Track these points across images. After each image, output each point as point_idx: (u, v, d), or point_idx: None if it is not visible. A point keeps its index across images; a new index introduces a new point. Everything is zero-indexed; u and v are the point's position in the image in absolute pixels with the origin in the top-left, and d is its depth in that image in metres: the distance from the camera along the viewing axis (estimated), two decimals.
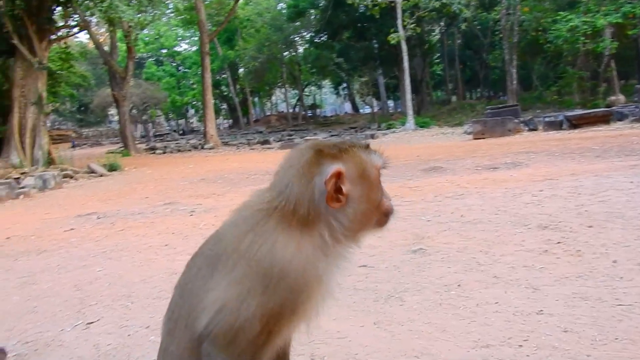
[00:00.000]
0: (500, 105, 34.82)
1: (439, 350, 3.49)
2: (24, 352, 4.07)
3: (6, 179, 17.74)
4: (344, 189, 1.32)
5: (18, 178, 18.05)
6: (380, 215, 1.43)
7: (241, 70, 60.87)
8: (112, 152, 30.33)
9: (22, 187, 15.76)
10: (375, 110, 61.36)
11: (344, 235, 1.36)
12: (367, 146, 1.47)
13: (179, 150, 35.01)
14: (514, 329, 3.68)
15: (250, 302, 1.25)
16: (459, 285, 4.64)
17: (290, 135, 41.81)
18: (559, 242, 5.48)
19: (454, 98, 60.45)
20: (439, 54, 61.91)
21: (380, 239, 6.27)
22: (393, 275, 5.08)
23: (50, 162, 22.31)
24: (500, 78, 49.41)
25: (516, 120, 24.90)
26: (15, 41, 20.94)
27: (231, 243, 1.31)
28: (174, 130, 68.38)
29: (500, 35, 42.27)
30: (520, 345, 3.42)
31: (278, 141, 33.90)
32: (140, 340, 4.18)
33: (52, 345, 4.17)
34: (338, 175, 1.31)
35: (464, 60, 60.25)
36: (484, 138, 22.27)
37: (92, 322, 4.58)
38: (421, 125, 36.75)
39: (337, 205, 1.32)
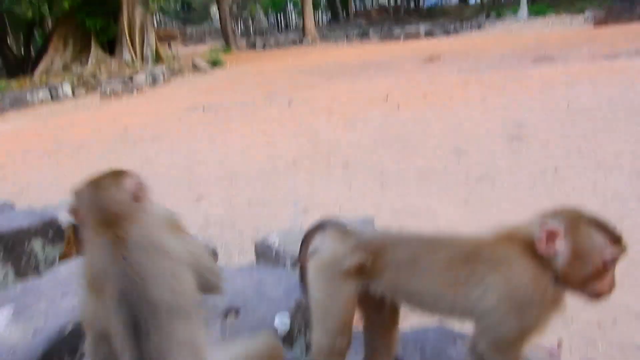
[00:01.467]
0: None
1: None
2: None
3: (120, 76, 19.04)
4: (557, 245, 1.38)
5: (131, 76, 19.29)
6: (591, 293, 1.42)
7: None
8: (214, 49, 31.12)
9: (135, 83, 16.86)
10: None
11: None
12: (598, 224, 1.40)
13: (277, 46, 35.20)
14: (610, 210, 3.58)
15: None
16: (555, 170, 4.51)
17: (391, 28, 40.19)
18: None
19: None
20: None
21: (477, 126, 6.14)
22: (486, 160, 5.02)
23: (158, 59, 23.44)
24: None
25: None
26: None
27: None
28: (273, 26, 68.19)
29: None
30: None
31: (378, 34, 32.86)
32: (243, 212, 4.58)
33: None
34: (552, 235, 1.38)
35: None
36: (607, 25, 20.08)
37: (201, 197, 5.04)
38: (536, 13, 33.69)
39: (544, 253, 1.39)
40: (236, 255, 3.69)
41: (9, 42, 28.79)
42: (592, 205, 3.73)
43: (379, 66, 14.15)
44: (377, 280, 1.53)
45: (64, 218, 3.05)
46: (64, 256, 3.03)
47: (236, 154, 6.54)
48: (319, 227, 1.74)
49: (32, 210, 3.33)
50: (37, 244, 2.96)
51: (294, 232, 3.09)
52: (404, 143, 6.02)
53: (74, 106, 15.48)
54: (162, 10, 38.52)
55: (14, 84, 19.13)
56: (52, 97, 16.94)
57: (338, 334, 1.55)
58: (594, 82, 8.07)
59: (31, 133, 11.02)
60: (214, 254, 2.95)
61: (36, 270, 2.93)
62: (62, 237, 3.08)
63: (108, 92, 15.53)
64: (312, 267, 1.62)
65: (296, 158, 6.00)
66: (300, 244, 1.75)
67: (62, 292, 2.16)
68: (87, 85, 18.60)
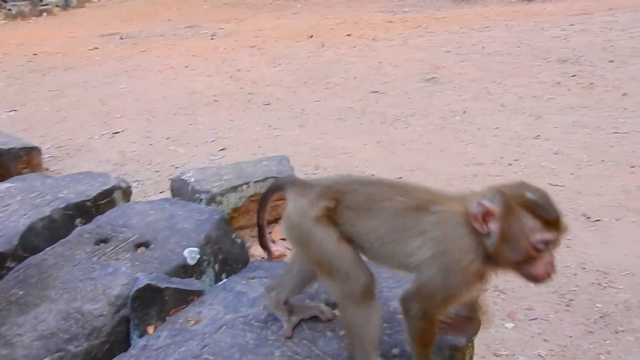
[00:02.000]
0: None
1: (433, 165, 3.75)
2: (57, 155, 4.49)
3: None
4: (490, 225, 1.40)
5: None
6: (527, 276, 1.44)
7: None
8: None
9: (45, 5, 15.57)
10: None
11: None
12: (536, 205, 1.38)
13: None
14: (508, 150, 3.89)
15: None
16: (464, 112, 4.78)
17: None
18: (574, 76, 5.46)
19: None
20: None
21: (395, 68, 6.30)
22: (402, 102, 5.21)
23: None
24: None
25: None
26: None
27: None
28: None
29: None
30: (510, 164, 3.66)
31: None
32: (161, 148, 4.54)
33: (82, 150, 4.57)
34: (487, 214, 1.40)
35: None
36: None
37: (117, 132, 4.94)
38: None
39: (481, 230, 1.42)
40: (153, 193, 3.71)
41: None
42: (495, 144, 4.03)
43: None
44: (341, 225, 1.57)
45: None
46: None
47: (155, 89, 6.37)
48: (275, 189, 1.77)
49: None
50: None
51: (210, 169, 3.15)
52: (326, 83, 6.09)
53: None
54: None
55: None
56: None
57: (355, 271, 1.55)
58: (509, 25, 8.40)
59: None
60: (129, 191, 2.96)
61: None
62: None
63: (14, 12, 14.29)
64: (284, 229, 1.65)
65: (217, 94, 5.94)
66: (258, 207, 1.78)
67: None
68: None
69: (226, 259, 2.25)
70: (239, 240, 2.35)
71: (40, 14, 14.66)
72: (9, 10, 14.28)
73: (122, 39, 10.24)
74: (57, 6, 15.80)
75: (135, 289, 1.84)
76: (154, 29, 11.09)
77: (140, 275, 1.90)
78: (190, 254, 2.12)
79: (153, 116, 5.40)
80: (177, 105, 5.69)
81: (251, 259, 2.39)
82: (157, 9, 14.95)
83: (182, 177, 3.03)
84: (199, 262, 2.13)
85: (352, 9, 11.63)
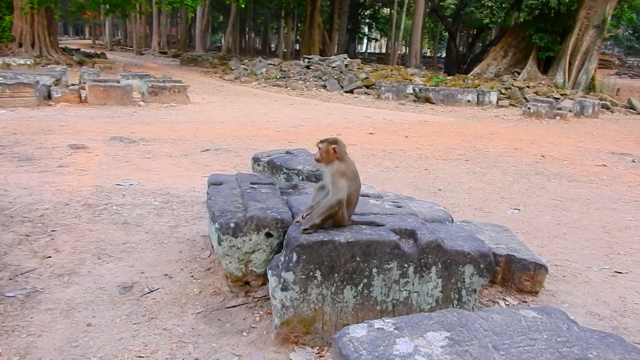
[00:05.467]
0: None
1: None
2: (553, 273, 4.41)
3: (547, 96, 18.73)
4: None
5: (558, 98, 18.76)
6: None
7: None
8: None
9: (560, 109, 16.32)
10: None
11: None
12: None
13: None
14: None
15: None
16: None
17: None
18: None
19: None
20: None
21: None
22: None
23: (591, 88, 22.09)
24: None
25: None
26: None
27: None
28: None
29: None
30: None
31: None
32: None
33: (579, 278, 4.35)
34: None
35: None
36: None
37: (620, 272, 4.51)
38: None
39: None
40: None
41: (457, 41, 31.80)
42: None
43: None
44: None
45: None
46: None
47: None
48: None
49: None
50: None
51: None
52: None
53: (495, 115, 16.11)
54: (615, 37, 35.60)
55: (448, 80, 21.10)
56: (478, 101, 18.02)
57: None
58: None
59: (453, 130, 12.00)
60: None
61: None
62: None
63: (531, 111, 15.51)
64: None
65: None
66: None
67: None
68: (512, 98, 19.04)
69: None
70: None
71: (554, 116, 15.43)
72: (528, 108, 15.60)
73: (633, 162, 9.64)
74: (571, 112, 16.31)
75: None
76: None
77: None
78: None
79: None
80: None
81: None
82: None
83: None
84: None
85: None
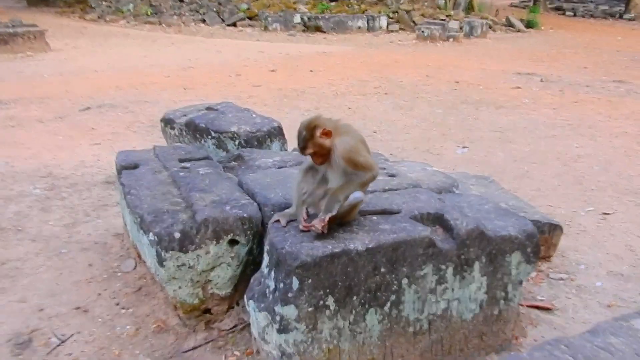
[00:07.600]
0: None
1: None
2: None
3: (434, 19, 18.48)
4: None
5: (444, 20, 18.58)
6: None
7: None
8: (516, 6, 28.63)
9: (451, 31, 16.12)
10: None
11: None
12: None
13: (591, 16, 30.77)
14: None
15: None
16: None
17: None
18: None
19: None
20: None
21: None
22: None
23: (470, 8, 22.27)
24: None
25: None
26: None
27: None
28: None
29: None
30: None
31: None
32: None
33: (573, 227, 3.84)
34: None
35: None
36: None
37: (607, 213, 4.07)
38: None
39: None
40: None
41: None
42: None
43: None
44: None
45: None
46: None
47: (627, 158, 5.33)
48: None
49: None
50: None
51: None
52: None
53: (390, 41, 15.54)
54: None
55: (332, 6, 20.06)
56: (368, 27, 17.32)
57: None
58: None
59: (357, 61, 11.20)
60: None
61: None
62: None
63: (425, 35, 15.12)
64: None
65: None
66: None
67: None
68: (402, 22, 18.55)
69: None
70: None
71: (447, 39, 15.18)
72: (422, 32, 15.16)
73: (542, 81, 9.52)
74: (461, 33, 16.19)
75: None
76: (572, 76, 10.05)
77: None
78: None
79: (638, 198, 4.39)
80: None
81: None
82: (561, 51, 13.89)
83: None
84: None
85: None
